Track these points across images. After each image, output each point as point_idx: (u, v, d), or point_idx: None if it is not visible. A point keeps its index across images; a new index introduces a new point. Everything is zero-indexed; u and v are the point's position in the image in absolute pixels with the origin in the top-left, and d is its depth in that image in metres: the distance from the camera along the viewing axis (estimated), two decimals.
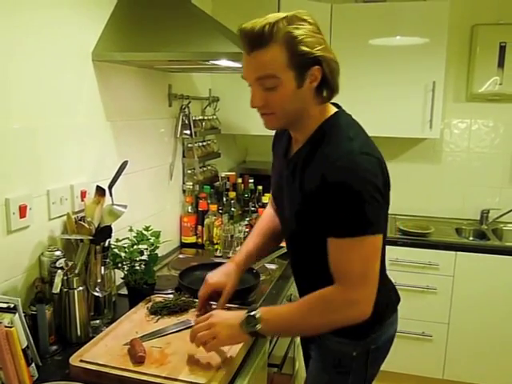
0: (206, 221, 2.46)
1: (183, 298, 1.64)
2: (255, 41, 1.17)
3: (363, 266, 1.20)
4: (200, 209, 2.49)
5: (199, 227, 2.50)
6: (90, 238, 1.54)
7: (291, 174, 1.34)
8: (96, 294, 1.51)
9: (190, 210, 2.49)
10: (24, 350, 1.22)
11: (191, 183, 2.51)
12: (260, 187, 2.70)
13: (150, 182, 2.21)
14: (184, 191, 2.53)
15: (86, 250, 1.54)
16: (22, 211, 1.42)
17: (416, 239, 2.86)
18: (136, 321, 1.53)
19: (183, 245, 2.52)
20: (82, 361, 1.28)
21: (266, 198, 2.60)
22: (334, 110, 1.32)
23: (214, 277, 1.54)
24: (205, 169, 2.73)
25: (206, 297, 1.53)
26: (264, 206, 2.57)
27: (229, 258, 2.29)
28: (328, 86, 1.24)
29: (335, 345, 1.39)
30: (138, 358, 1.27)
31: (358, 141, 1.24)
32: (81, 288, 1.46)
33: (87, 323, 1.50)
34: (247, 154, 3.47)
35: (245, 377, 1.36)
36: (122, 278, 1.70)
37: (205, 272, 1.94)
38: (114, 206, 1.62)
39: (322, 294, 1.25)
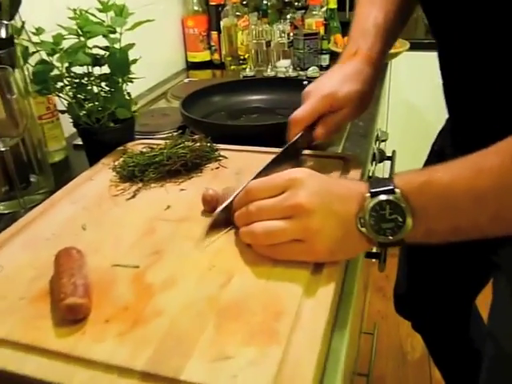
0: (224, 22, 1.51)
1: (190, 144, 0.77)
2: None
3: None
4: (212, 3, 1.53)
5: (213, 34, 1.56)
6: None
7: None
8: None
9: (196, 8, 1.54)
10: None
11: None
12: None
13: None
14: None
15: None
16: None
17: None
18: (89, 197, 0.69)
19: (192, 66, 1.61)
20: None
21: None
22: None
23: (327, 83, 0.70)
24: None
25: (310, 119, 0.69)
26: None
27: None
28: None
29: None
30: (66, 312, 0.45)
31: None
32: None
33: None
34: None
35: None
36: (64, 111, 0.82)
37: (225, 95, 1.09)
38: None
39: None
